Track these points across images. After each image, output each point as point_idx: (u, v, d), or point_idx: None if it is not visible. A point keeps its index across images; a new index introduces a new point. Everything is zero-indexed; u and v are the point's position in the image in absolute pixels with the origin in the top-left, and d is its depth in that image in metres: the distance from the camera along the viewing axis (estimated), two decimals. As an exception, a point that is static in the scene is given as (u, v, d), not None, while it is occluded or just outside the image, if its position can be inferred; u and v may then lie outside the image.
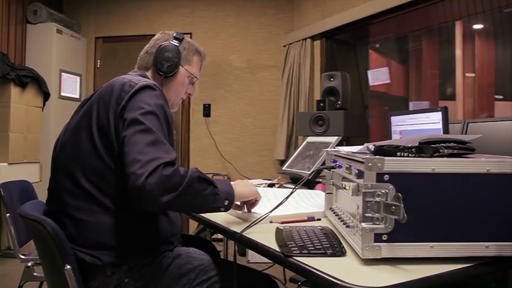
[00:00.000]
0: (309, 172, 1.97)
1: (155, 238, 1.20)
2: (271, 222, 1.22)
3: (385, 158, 0.85)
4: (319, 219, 1.29)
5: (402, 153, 0.91)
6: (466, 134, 1.89)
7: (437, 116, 1.80)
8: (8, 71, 3.41)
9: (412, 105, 3.75)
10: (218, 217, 1.33)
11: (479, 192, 0.87)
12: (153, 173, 0.97)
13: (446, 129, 1.76)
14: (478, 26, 3.29)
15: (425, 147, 0.92)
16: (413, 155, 0.91)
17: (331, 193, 1.29)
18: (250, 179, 1.96)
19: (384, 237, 0.84)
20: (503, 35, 3.11)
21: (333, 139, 2.24)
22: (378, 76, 3.85)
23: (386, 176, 0.85)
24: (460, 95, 3.36)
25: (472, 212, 0.86)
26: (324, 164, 1.34)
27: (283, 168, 2.33)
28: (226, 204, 1.14)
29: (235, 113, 4.44)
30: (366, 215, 0.85)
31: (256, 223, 1.13)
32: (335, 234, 1.03)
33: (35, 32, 4.10)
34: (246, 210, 1.31)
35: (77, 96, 4.45)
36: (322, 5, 3.86)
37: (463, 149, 0.97)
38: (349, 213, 1.04)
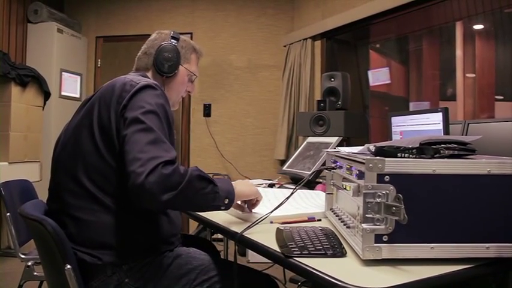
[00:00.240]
0: (310, 172, 1.97)
1: (156, 238, 1.20)
2: (271, 222, 1.22)
3: (386, 158, 0.85)
4: (319, 220, 1.29)
5: (403, 154, 0.91)
6: (466, 134, 1.89)
7: (437, 117, 1.80)
8: (9, 70, 3.41)
9: (412, 106, 3.75)
10: (218, 217, 1.33)
11: (479, 194, 0.87)
12: (153, 171, 0.97)
13: (446, 130, 1.76)
14: (478, 27, 3.29)
15: (426, 148, 0.92)
16: (414, 156, 0.91)
17: (332, 194, 1.29)
18: (250, 179, 1.96)
19: (385, 238, 0.84)
20: (503, 36, 3.11)
21: (333, 139, 2.24)
22: (379, 76, 3.85)
23: (387, 176, 0.85)
24: (460, 96, 3.36)
25: (473, 213, 0.86)
26: (324, 164, 1.34)
27: (284, 168, 2.33)
28: (226, 202, 1.14)
29: (236, 113, 4.44)
30: (366, 215, 0.85)
31: (256, 223, 1.13)
32: (335, 235, 1.03)
33: (35, 31, 4.10)
34: (247, 210, 1.30)
35: (78, 95, 4.45)
36: (323, 5, 3.86)
37: (463, 150, 0.97)
38: (350, 213, 1.04)
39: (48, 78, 3.87)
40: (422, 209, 0.85)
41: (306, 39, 3.90)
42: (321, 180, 2.10)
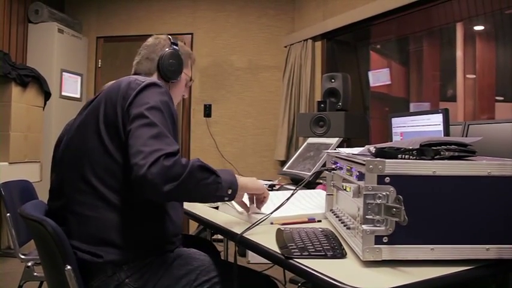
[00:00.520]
0: (310, 173, 1.97)
1: (158, 237, 1.21)
2: (272, 223, 1.22)
3: (386, 160, 0.85)
4: (319, 221, 1.29)
5: (403, 156, 0.91)
6: (466, 135, 1.89)
7: (438, 118, 1.80)
8: (9, 70, 3.42)
9: (412, 107, 3.75)
10: (219, 218, 1.33)
11: (480, 195, 0.87)
12: (154, 163, 0.99)
13: (447, 131, 1.76)
14: (478, 28, 3.29)
15: (426, 150, 0.92)
16: (414, 157, 0.91)
17: (332, 194, 1.29)
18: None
19: (385, 240, 0.84)
20: (504, 37, 3.11)
21: (334, 140, 2.24)
22: (379, 77, 3.85)
23: (387, 178, 0.85)
24: (460, 97, 3.36)
25: (473, 215, 0.86)
26: (324, 165, 1.34)
27: (284, 169, 2.33)
28: (230, 193, 1.14)
29: (236, 114, 4.44)
30: (366, 217, 0.85)
31: (257, 224, 1.13)
32: (335, 236, 1.03)
33: (36, 31, 4.10)
34: (255, 209, 1.31)
35: (78, 96, 4.45)
36: (323, 6, 3.86)
37: (464, 152, 0.97)
38: (350, 214, 1.04)
39: (48, 78, 3.87)
40: (423, 211, 0.85)
41: (306, 40, 3.90)
42: (321, 181, 2.10)
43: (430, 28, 3.50)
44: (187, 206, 1.55)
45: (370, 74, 3.91)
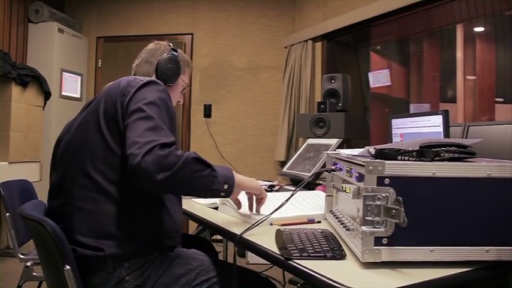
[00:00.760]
0: (310, 174, 1.97)
1: (158, 231, 1.21)
2: (271, 224, 1.22)
3: (386, 161, 0.85)
4: (319, 222, 1.29)
5: (403, 157, 0.91)
6: (466, 137, 1.89)
7: (438, 119, 1.80)
8: (9, 70, 3.42)
9: (412, 108, 3.75)
10: (218, 218, 1.33)
11: (479, 197, 0.87)
12: (149, 152, 1.02)
13: (447, 133, 1.76)
14: (479, 29, 3.29)
15: (426, 151, 0.92)
16: (414, 158, 0.91)
17: (332, 195, 1.29)
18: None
19: (384, 241, 0.84)
20: (504, 38, 3.11)
21: (334, 141, 2.24)
22: (379, 78, 3.85)
23: (387, 179, 0.85)
24: (460, 98, 3.36)
25: (473, 216, 0.86)
26: (324, 166, 1.34)
27: (284, 169, 2.33)
28: (225, 188, 1.14)
29: (236, 114, 4.44)
30: (366, 218, 0.85)
31: (256, 225, 1.13)
32: (335, 237, 1.03)
33: (36, 31, 4.11)
34: (254, 210, 1.31)
35: (78, 95, 4.45)
36: (324, 7, 3.87)
37: (463, 153, 0.97)
38: (350, 216, 1.04)
39: (48, 78, 3.87)
40: (422, 212, 0.85)
41: (306, 40, 3.90)
42: (320, 182, 2.10)
43: (430, 29, 3.50)
44: (187, 206, 1.55)
45: (370, 75, 3.91)
